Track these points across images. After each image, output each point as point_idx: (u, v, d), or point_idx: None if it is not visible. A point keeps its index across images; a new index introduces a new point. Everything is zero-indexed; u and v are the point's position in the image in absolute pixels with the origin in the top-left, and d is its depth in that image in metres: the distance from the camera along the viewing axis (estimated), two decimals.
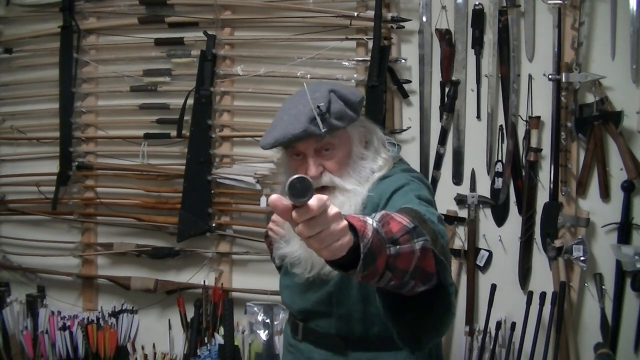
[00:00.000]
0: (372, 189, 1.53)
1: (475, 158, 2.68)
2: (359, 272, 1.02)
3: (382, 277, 1.07)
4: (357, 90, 1.64)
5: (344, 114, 1.50)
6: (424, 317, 1.24)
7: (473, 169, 2.68)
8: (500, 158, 2.63)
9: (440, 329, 1.24)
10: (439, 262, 1.15)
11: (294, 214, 0.94)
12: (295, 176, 0.92)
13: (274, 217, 1.70)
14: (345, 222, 0.99)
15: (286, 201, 0.94)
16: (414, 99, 2.73)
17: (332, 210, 0.96)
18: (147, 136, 2.95)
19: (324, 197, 0.94)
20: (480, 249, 2.67)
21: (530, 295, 2.52)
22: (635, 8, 2.43)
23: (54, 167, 3.01)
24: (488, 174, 2.67)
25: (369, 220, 1.06)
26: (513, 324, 2.53)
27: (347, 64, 2.69)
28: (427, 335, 1.25)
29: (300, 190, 0.92)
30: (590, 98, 2.52)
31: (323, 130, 1.45)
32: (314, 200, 0.93)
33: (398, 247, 1.07)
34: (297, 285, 1.65)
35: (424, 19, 2.67)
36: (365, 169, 1.57)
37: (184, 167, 2.84)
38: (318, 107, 1.46)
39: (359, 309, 1.57)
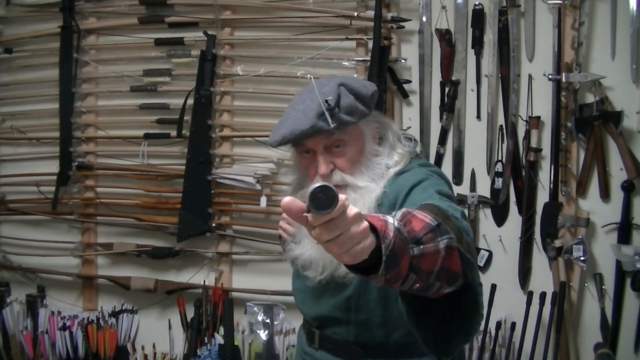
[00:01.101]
0: (388, 185, 1.44)
1: (475, 158, 2.68)
2: (381, 276, 0.95)
3: (406, 280, 1.00)
4: (369, 83, 1.52)
5: (354, 109, 1.41)
6: (451, 320, 1.16)
7: (473, 169, 2.68)
8: (500, 158, 2.63)
9: (468, 332, 1.16)
10: (465, 261, 1.08)
11: (309, 217, 0.86)
12: (317, 185, 0.82)
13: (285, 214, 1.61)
14: (366, 223, 0.91)
15: (300, 204, 0.85)
16: (414, 99, 2.73)
17: (352, 210, 0.88)
18: (147, 136, 2.94)
19: (342, 196, 0.86)
20: (480, 249, 2.67)
21: (530, 295, 2.52)
22: (635, 8, 2.43)
23: (54, 167, 3.01)
24: (488, 174, 2.67)
25: (390, 219, 0.98)
26: (513, 324, 2.53)
27: (347, 64, 2.70)
28: (454, 340, 1.17)
29: (324, 202, 0.82)
30: (590, 98, 2.52)
31: (332, 126, 1.36)
32: None
33: (422, 246, 1.00)
34: (311, 290, 1.55)
35: (424, 19, 2.67)
36: (379, 165, 1.47)
37: (184, 167, 2.84)
38: (326, 101, 1.37)
39: (379, 313, 1.48)
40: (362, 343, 1.52)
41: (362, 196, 1.42)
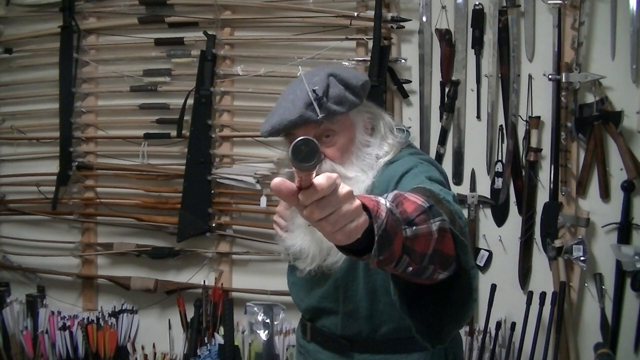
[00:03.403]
0: (377, 176, 1.45)
1: (475, 158, 2.68)
2: (374, 257, 0.93)
3: (400, 262, 0.98)
4: (360, 74, 1.53)
5: (343, 99, 1.42)
6: (444, 307, 1.14)
7: (473, 169, 2.68)
8: (500, 158, 2.63)
9: (461, 318, 1.13)
10: (459, 244, 1.06)
11: (300, 196, 0.83)
12: (300, 138, 0.79)
13: (279, 208, 1.63)
14: (358, 202, 0.89)
15: (290, 184, 0.83)
16: (414, 99, 2.73)
17: (344, 188, 0.86)
18: (147, 136, 2.94)
19: (334, 175, 0.84)
20: (480, 249, 2.67)
21: (530, 295, 2.52)
22: (635, 8, 2.43)
23: (54, 167, 3.01)
24: (488, 174, 2.67)
25: (382, 200, 0.96)
26: (513, 324, 2.53)
27: (347, 64, 2.69)
28: (447, 326, 1.15)
29: (305, 154, 0.78)
30: (590, 98, 2.52)
31: (320, 116, 1.38)
32: (323, 179, 0.82)
33: (414, 228, 0.98)
34: (302, 282, 1.58)
35: (424, 19, 2.67)
36: (370, 156, 1.48)
37: (184, 167, 2.84)
38: (314, 91, 1.38)
39: (365, 305, 1.49)
40: (349, 336, 1.54)
41: (351, 186, 1.41)
